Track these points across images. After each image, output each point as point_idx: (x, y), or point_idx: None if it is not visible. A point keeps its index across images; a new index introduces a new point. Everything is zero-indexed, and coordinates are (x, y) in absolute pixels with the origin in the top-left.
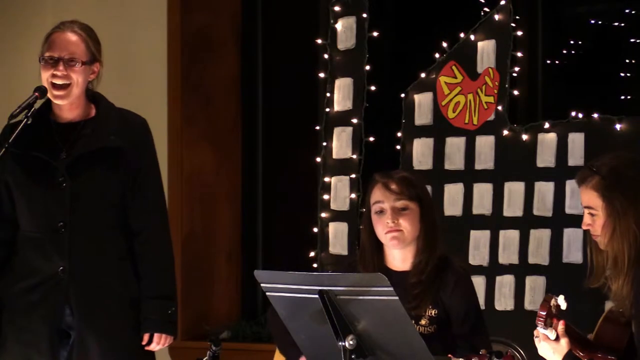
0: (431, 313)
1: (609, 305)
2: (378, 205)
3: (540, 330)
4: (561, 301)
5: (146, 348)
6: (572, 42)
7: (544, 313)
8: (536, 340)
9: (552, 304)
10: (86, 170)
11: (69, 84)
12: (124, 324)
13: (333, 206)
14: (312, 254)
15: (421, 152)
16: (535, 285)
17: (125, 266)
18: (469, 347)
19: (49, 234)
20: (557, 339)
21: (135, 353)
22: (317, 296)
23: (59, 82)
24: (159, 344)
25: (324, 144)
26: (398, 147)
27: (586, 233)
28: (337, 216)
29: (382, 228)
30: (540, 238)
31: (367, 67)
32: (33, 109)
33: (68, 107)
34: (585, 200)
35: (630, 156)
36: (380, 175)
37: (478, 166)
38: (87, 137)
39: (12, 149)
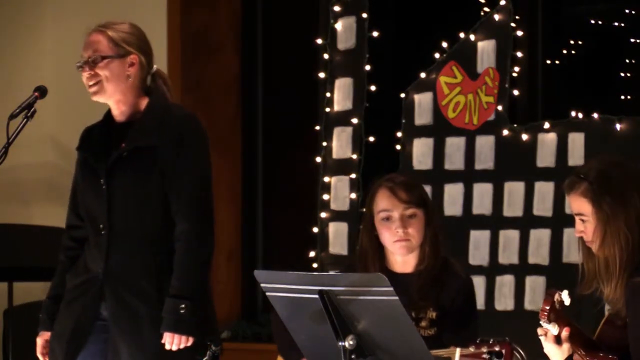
0: (432, 316)
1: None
2: (385, 213)
3: (543, 325)
4: (565, 296)
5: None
6: (572, 42)
7: (548, 307)
8: (542, 338)
9: (555, 299)
10: (122, 172)
11: (99, 81)
12: (153, 326)
13: (333, 206)
14: (312, 254)
15: (421, 152)
16: (535, 285)
17: (163, 266)
18: (457, 340)
19: (95, 235)
20: (560, 340)
21: (162, 355)
22: (317, 296)
23: (89, 82)
24: (171, 344)
25: (324, 144)
26: (398, 147)
27: (579, 239)
28: (337, 216)
29: (390, 236)
30: (540, 238)
31: (367, 67)
32: (32, 108)
33: (115, 106)
34: (575, 207)
35: (615, 158)
36: (384, 181)
37: (478, 166)
38: (128, 138)
39: (79, 150)
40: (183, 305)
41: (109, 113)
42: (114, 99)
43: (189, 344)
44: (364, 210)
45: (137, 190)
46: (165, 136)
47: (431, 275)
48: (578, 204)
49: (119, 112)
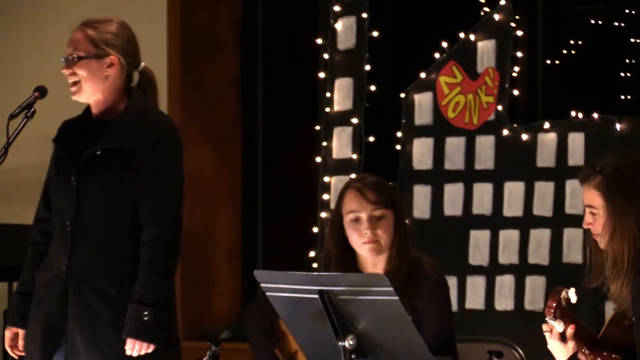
0: None
1: (609, 305)
2: (353, 215)
3: (549, 322)
4: (572, 294)
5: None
6: (572, 42)
7: (554, 304)
8: (547, 335)
9: (562, 297)
10: (94, 171)
11: (78, 81)
12: (113, 328)
13: (333, 206)
14: (312, 254)
15: (421, 152)
16: (535, 285)
17: (127, 269)
18: (436, 352)
19: (60, 231)
20: (564, 338)
21: (119, 358)
22: (317, 296)
23: (69, 80)
24: (132, 350)
25: (324, 144)
26: (398, 147)
27: (586, 232)
28: None
29: (358, 237)
30: (540, 238)
31: (367, 67)
32: (32, 109)
33: (94, 104)
34: (587, 199)
35: (633, 156)
36: (353, 182)
37: (478, 166)
38: (103, 137)
39: (55, 143)
40: (146, 312)
41: (88, 108)
42: (94, 98)
43: (150, 350)
44: (333, 212)
45: (107, 191)
46: (141, 140)
47: (399, 277)
48: (590, 197)
49: (97, 110)
